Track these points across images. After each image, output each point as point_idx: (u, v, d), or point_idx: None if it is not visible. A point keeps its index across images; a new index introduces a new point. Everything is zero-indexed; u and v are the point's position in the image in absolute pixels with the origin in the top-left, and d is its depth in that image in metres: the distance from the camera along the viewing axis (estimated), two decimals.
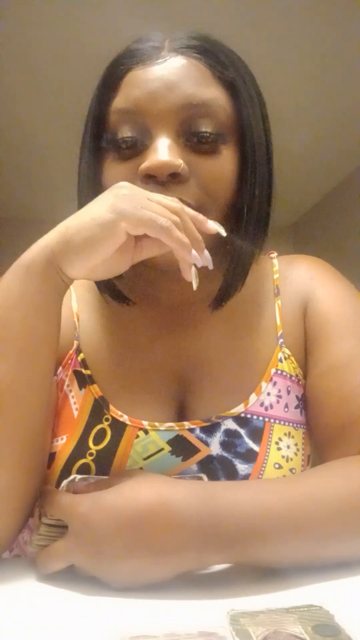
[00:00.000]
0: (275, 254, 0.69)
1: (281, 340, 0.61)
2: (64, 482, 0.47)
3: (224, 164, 0.53)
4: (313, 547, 0.43)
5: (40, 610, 0.38)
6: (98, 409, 0.57)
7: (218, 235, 0.52)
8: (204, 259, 0.49)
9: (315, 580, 0.41)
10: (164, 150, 0.50)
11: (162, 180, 0.51)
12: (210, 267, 0.50)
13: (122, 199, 0.46)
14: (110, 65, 0.56)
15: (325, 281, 0.64)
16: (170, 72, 0.52)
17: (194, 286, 0.49)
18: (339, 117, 2.57)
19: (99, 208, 0.46)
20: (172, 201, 0.47)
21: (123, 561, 0.39)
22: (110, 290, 0.60)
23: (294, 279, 0.65)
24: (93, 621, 0.36)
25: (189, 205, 0.51)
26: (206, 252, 0.49)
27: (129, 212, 0.45)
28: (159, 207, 0.46)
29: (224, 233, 0.51)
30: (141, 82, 0.52)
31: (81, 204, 0.56)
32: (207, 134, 0.52)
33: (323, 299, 0.62)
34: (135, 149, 0.53)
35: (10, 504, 0.46)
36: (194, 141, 0.52)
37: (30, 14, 1.84)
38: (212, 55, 0.54)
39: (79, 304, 0.65)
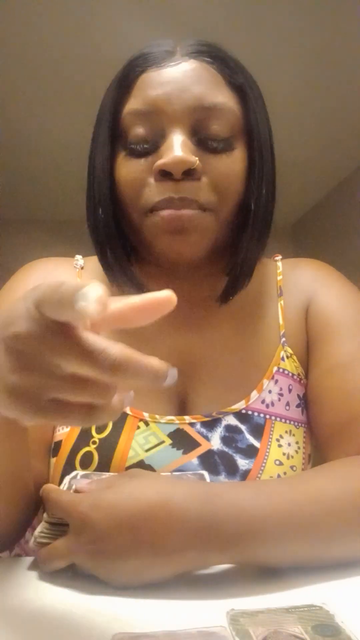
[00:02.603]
0: (279, 257, 0.70)
1: (283, 339, 0.62)
2: (66, 479, 0.46)
3: (233, 164, 0.55)
4: (313, 548, 0.43)
5: (39, 609, 0.38)
6: None
7: (224, 234, 0.55)
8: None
9: (316, 580, 0.41)
10: (178, 147, 0.52)
11: (177, 177, 0.52)
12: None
13: None
14: (124, 68, 0.57)
15: (328, 282, 0.65)
16: (183, 74, 0.54)
17: None
18: (339, 117, 2.57)
19: None
20: None
21: (123, 560, 0.39)
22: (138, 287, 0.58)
23: (297, 280, 0.66)
24: (93, 620, 0.36)
25: (200, 204, 0.53)
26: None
27: None
28: None
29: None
30: (155, 83, 0.54)
31: (90, 197, 0.59)
32: (218, 135, 0.54)
33: (325, 299, 0.63)
34: (149, 147, 0.54)
35: None
36: (206, 141, 0.54)
37: (31, 16, 1.84)
38: (222, 60, 0.57)
39: None
